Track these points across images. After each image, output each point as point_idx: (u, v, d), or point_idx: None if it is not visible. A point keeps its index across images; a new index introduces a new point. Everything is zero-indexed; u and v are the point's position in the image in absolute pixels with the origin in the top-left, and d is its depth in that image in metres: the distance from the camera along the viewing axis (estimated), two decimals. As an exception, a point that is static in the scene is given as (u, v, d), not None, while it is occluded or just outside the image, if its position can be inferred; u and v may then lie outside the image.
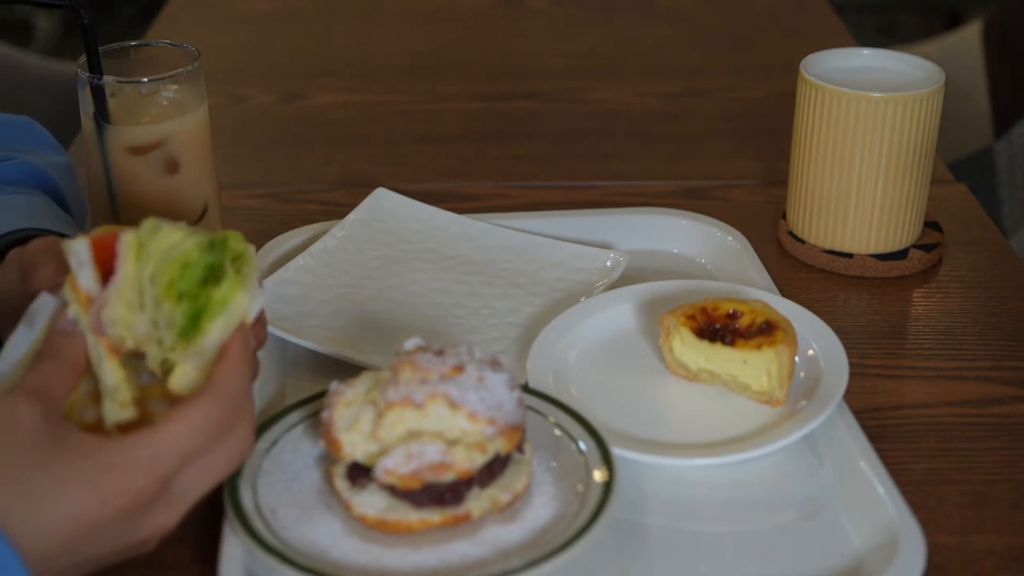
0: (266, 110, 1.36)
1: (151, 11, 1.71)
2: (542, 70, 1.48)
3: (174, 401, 0.66)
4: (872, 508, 0.71)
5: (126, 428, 0.66)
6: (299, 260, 0.95)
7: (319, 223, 1.02)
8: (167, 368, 0.67)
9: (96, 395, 0.67)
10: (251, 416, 0.66)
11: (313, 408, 0.77)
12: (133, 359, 0.68)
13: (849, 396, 0.81)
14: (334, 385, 0.72)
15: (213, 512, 0.72)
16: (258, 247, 0.99)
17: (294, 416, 0.77)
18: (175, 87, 0.90)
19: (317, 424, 0.75)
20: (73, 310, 0.66)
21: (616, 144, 1.27)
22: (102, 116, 0.87)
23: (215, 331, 0.65)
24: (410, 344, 0.73)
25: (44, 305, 0.68)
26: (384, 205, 1.03)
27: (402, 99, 1.39)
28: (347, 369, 0.81)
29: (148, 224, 0.66)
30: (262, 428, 0.75)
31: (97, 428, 0.66)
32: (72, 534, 0.60)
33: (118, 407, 0.66)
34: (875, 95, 0.95)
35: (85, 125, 0.90)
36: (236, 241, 0.68)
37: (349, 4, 1.70)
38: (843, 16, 1.66)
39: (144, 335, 0.66)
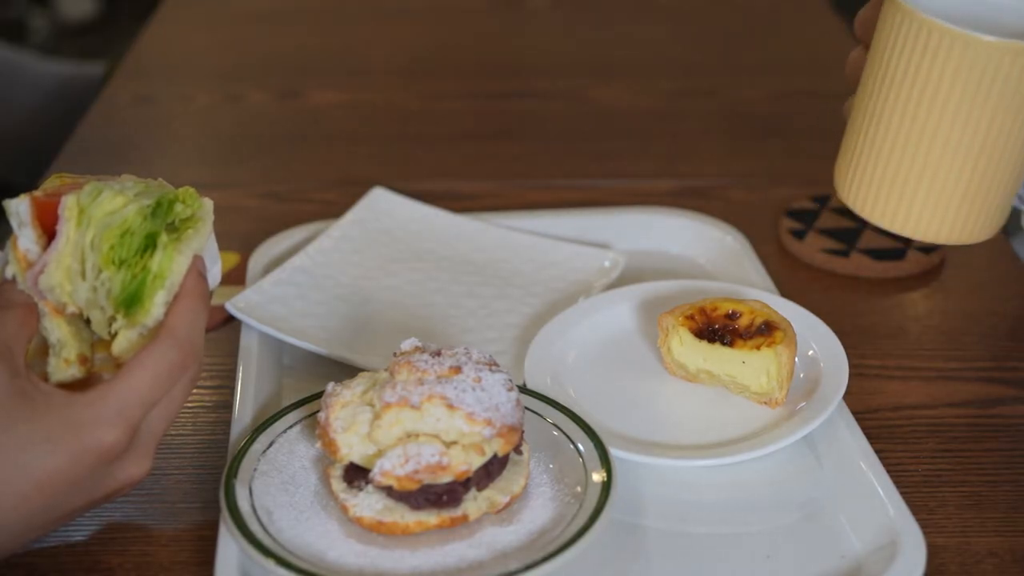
0: (262, 109, 1.35)
1: (148, 8, 1.71)
2: (540, 69, 1.47)
3: (120, 363, 0.66)
4: (872, 509, 0.71)
5: (73, 386, 0.66)
6: (295, 260, 0.94)
7: (315, 223, 1.01)
8: (114, 333, 0.66)
9: (46, 349, 0.67)
10: (202, 351, 0.67)
11: (310, 409, 0.77)
12: (79, 319, 0.67)
13: (849, 397, 0.80)
14: (331, 386, 0.72)
15: (209, 514, 0.72)
16: (254, 247, 0.99)
17: (290, 417, 0.76)
18: None
19: (314, 425, 0.74)
20: (11, 271, 0.65)
21: (615, 143, 1.26)
22: None
23: (158, 305, 0.65)
24: (407, 345, 0.73)
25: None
26: (381, 205, 1.02)
27: (399, 98, 1.38)
28: (344, 370, 0.80)
29: (89, 188, 0.66)
30: (259, 429, 0.75)
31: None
32: (46, 494, 0.61)
33: (63, 364, 0.66)
34: (989, 40, 0.70)
35: None
36: (190, 200, 0.67)
37: (346, 2, 1.70)
38: (843, 15, 1.65)
39: (86, 302, 0.66)
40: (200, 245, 0.67)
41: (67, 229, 0.65)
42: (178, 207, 0.67)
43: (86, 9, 3.72)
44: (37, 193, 0.66)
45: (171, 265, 0.65)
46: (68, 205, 0.65)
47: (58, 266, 0.65)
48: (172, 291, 0.65)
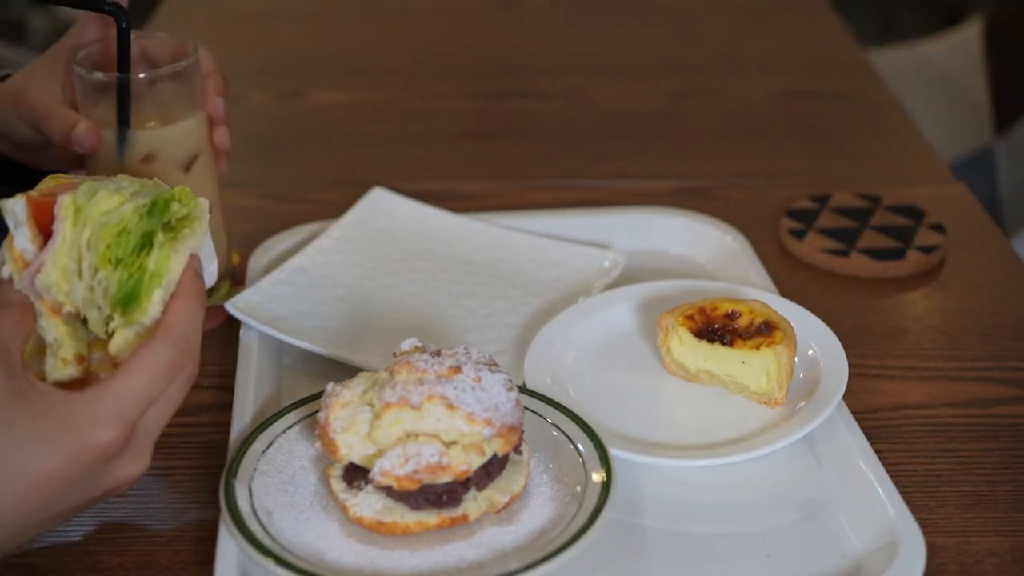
0: (262, 109, 1.35)
1: (147, 9, 1.71)
2: (540, 69, 1.47)
3: (117, 362, 0.66)
4: (872, 509, 0.71)
5: (71, 385, 0.66)
6: (295, 260, 0.94)
7: (315, 223, 1.01)
8: (111, 332, 0.66)
9: (44, 348, 0.67)
10: (199, 350, 0.67)
11: (309, 409, 0.76)
12: (76, 318, 0.67)
13: (849, 396, 0.80)
14: (331, 386, 0.72)
15: (209, 514, 0.72)
16: (254, 247, 0.99)
17: (290, 417, 0.76)
18: (186, 79, 0.89)
19: (313, 425, 0.74)
20: (7, 270, 0.65)
21: (615, 143, 1.26)
22: (125, 121, 0.85)
23: (155, 303, 0.65)
24: (407, 345, 0.73)
25: None
26: (381, 205, 1.02)
27: (399, 98, 1.38)
28: (344, 370, 0.80)
29: (85, 187, 0.66)
30: (258, 429, 0.75)
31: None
32: (44, 493, 0.61)
33: (60, 363, 0.66)
34: None
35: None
36: (186, 199, 0.67)
37: (347, 2, 1.70)
38: (842, 15, 1.65)
39: (83, 301, 0.66)
40: (196, 244, 0.67)
41: (63, 228, 0.65)
42: (174, 206, 0.67)
43: (86, 9, 3.71)
44: (33, 193, 0.66)
45: (168, 264, 0.65)
46: (64, 204, 0.65)
47: (55, 265, 0.65)
48: (169, 290, 0.65)
